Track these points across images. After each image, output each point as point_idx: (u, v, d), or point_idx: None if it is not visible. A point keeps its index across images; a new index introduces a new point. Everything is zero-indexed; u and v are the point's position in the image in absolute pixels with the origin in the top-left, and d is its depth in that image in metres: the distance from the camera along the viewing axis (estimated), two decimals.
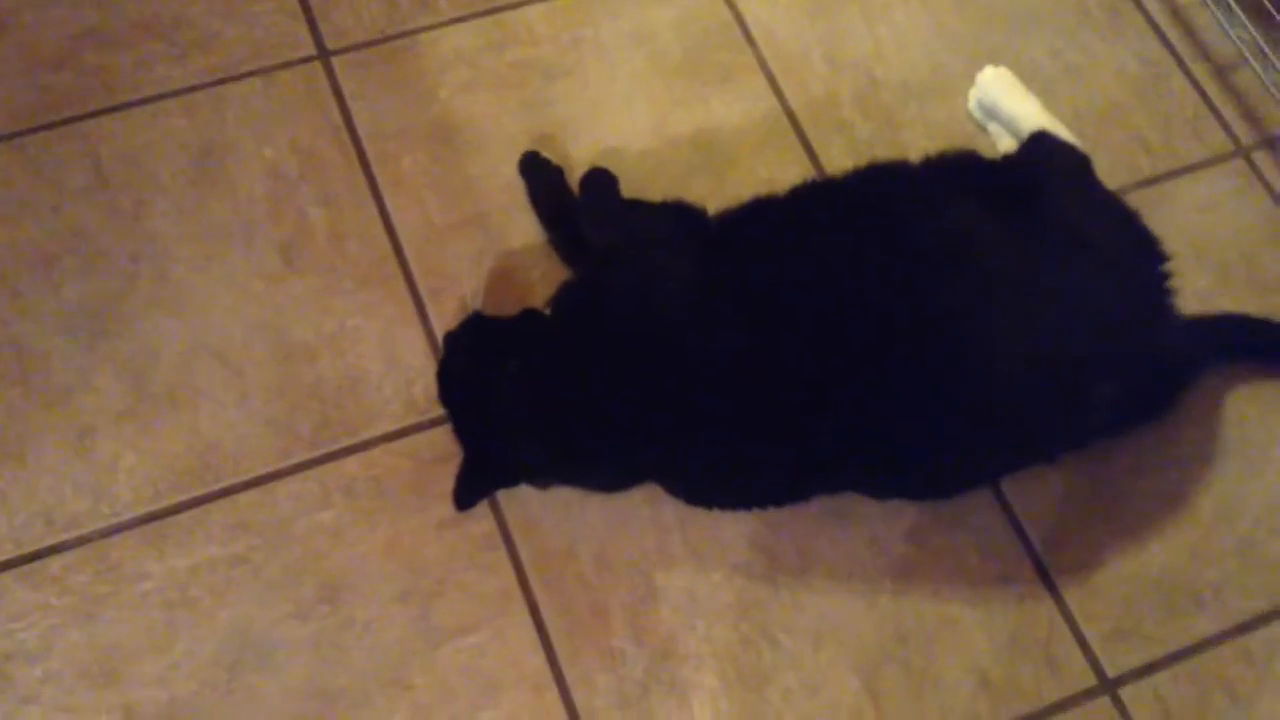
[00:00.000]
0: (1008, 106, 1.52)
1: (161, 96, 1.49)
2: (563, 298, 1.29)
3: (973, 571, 1.34)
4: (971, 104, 1.58)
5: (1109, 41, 1.67)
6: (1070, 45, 1.66)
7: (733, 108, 1.56)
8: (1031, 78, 1.56)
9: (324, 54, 1.54)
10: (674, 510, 1.32)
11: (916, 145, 1.53)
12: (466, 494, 1.26)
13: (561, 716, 1.24)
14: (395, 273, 1.43)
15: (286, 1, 1.56)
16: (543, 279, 1.42)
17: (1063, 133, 1.45)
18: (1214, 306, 1.46)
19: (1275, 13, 1.60)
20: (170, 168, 1.45)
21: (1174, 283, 1.31)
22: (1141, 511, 1.38)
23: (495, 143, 1.50)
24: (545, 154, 1.47)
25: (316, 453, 1.33)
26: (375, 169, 1.48)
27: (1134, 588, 1.34)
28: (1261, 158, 1.61)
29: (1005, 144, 1.52)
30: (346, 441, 1.34)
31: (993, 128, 1.56)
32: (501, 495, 1.32)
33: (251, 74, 1.52)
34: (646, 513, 1.33)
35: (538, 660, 1.26)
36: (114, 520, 1.28)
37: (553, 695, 1.25)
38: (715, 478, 1.27)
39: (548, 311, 1.30)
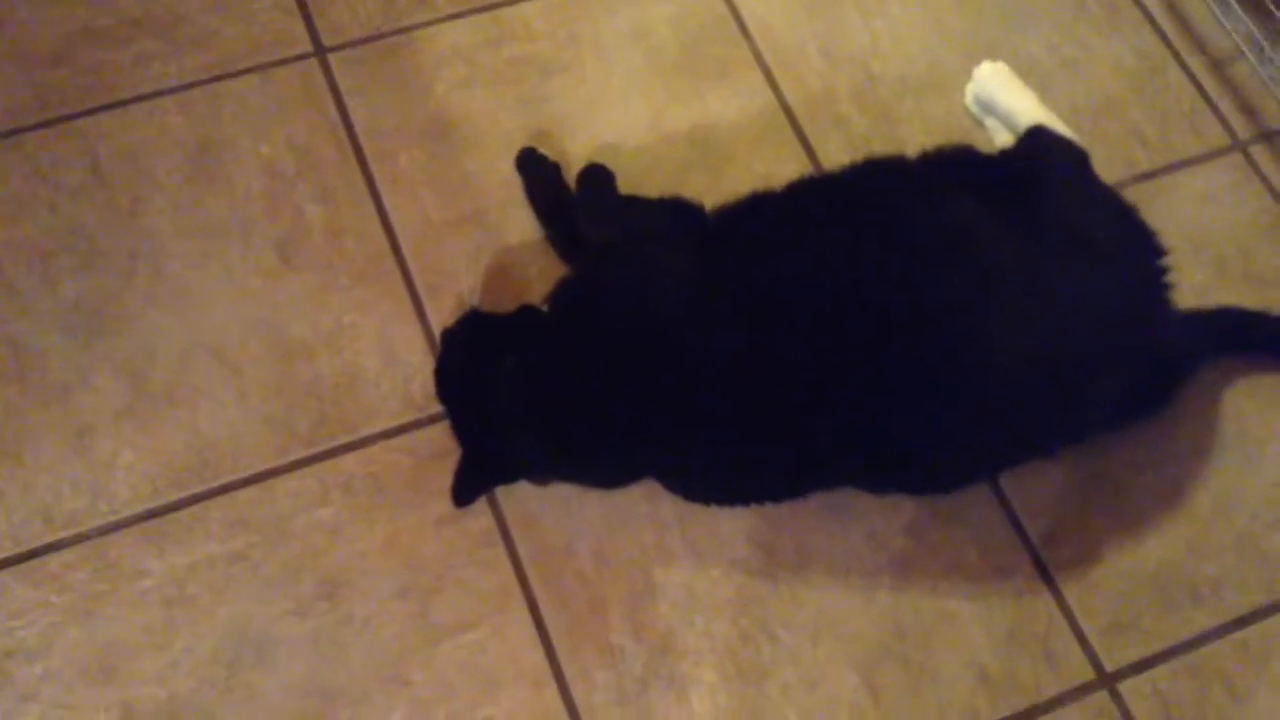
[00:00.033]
0: (1005, 101, 1.52)
1: (158, 94, 1.49)
2: (560, 294, 1.29)
3: (971, 566, 1.34)
4: (968, 99, 1.58)
5: (1105, 36, 1.67)
6: (1067, 40, 1.66)
7: (729, 103, 1.56)
8: (1028, 72, 1.56)
9: (320, 51, 1.54)
10: (672, 506, 1.32)
11: (914, 140, 1.53)
12: (465, 490, 1.26)
13: (561, 712, 1.24)
14: (392, 269, 1.42)
15: None
16: (540, 275, 1.42)
17: (1060, 127, 1.45)
18: (1211, 301, 1.46)
19: (1272, 6, 1.60)
20: (167, 165, 1.45)
21: (1171, 277, 1.32)
22: (1139, 506, 1.38)
23: (492, 139, 1.50)
24: (542, 150, 1.47)
25: (315, 450, 1.33)
26: (372, 166, 1.48)
27: (1132, 582, 1.35)
28: (1258, 152, 1.61)
29: (1002, 139, 1.52)
30: (344, 439, 1.34)
31: (990, 122, 1.56)
32: (500, 492, 1.32)
33: (248, 71, 1.51)
34: (645, 509, 1.33)
35: (537, 656, 1.26)
36: (112, 518, 1.28)
37: (552, 691, 1.25)
38: (713, 474, 1.27)
39: (545, 308, 1.30)
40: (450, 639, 1.26)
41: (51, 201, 1.42)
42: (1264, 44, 1.61)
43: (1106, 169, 1.46)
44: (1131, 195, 1.43)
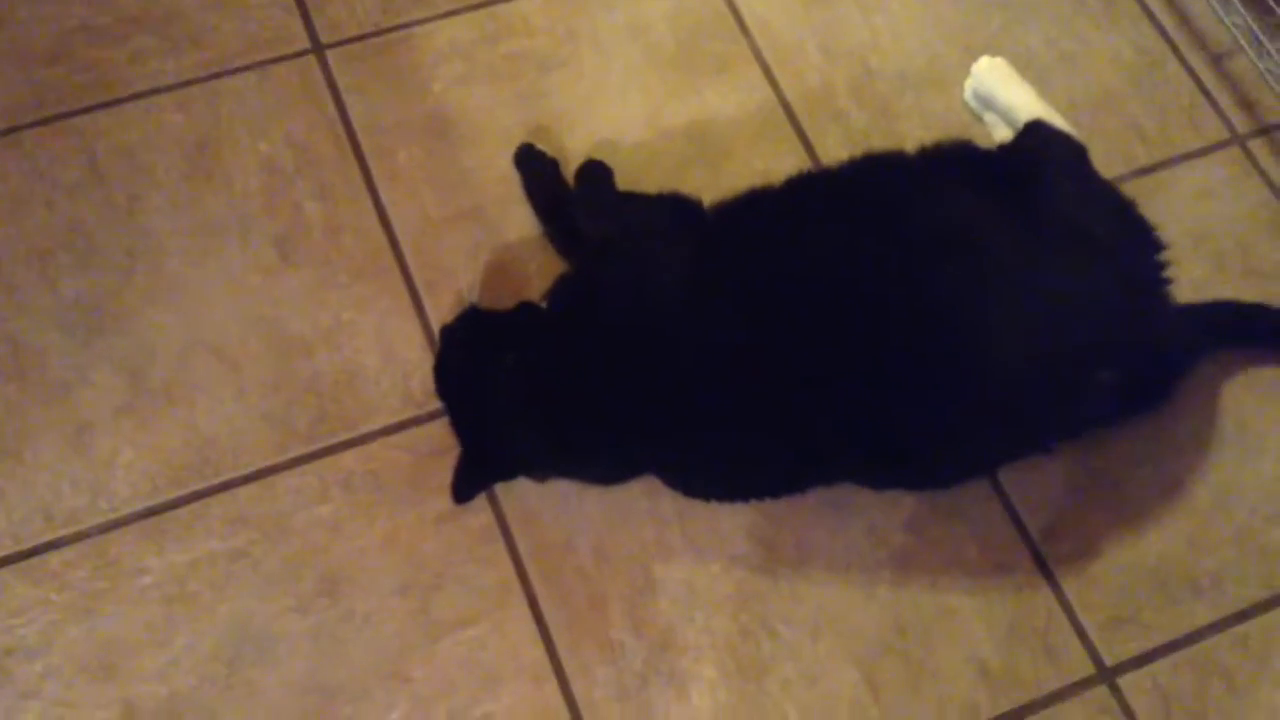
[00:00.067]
0: (1003, 96, 1.52)
1: (156, 91, 1.49)
2: (559, 291, 1.29)
3: (971, 561, 1.34)
4: (967, 93, 1.58)
5: (1104, 30, 1.67)
6: (1065, 34, 1.65)
7: (728, 99, 1.56)
8: (1027, 67, 1.56)
9: (318, 48, 1.54)
10: (672, 502, 1.32)
11: (912, 135, 1.53)
12: (464, 487, 1.26)
13: (561, 708, 1.24)
14: (391, 266, 1.42)
15: None
16: (539, 272, 1.41)
17: (1058, 122, 1.45)
18: (1210, 295, 1.46)
19: (1270, 1, 1.60)
20: (165, 162, 1.45)
21: (1170, 272, 1.31)
22: (1139, 500, 1.38)
23: (490, 135, 1.50)
24: (540, 146, 1.47)
25: (314, 447, 1.33)
26: (370, 162, 1.47)
27: (1132, 577, 1.35)
28: (1257, 146, 1.61)
29: (1001, 133, 1.52)
30: (344, 435, 1.34)
31: (989, 117, 1.56)
32: (500, 488, 1.32)
33: (246, 68, 1.51)
34: (645, 505, 1.33)
35: (537, 652, 1.26)
36: (112, 515, 1.28)
37: (552, 687, 1.25)
38: (713, 470, 1.27)
39: (544, 304, 1.30)
40: (450, 635, 1.26)
41: (49, 199, 1.42)
42: (1263, 38, 1.61)
43: (1105, 164, 1.46)
44: (1130, 190, 1.43)
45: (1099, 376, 1.26)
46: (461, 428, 1.28)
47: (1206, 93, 1.64)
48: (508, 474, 1.29)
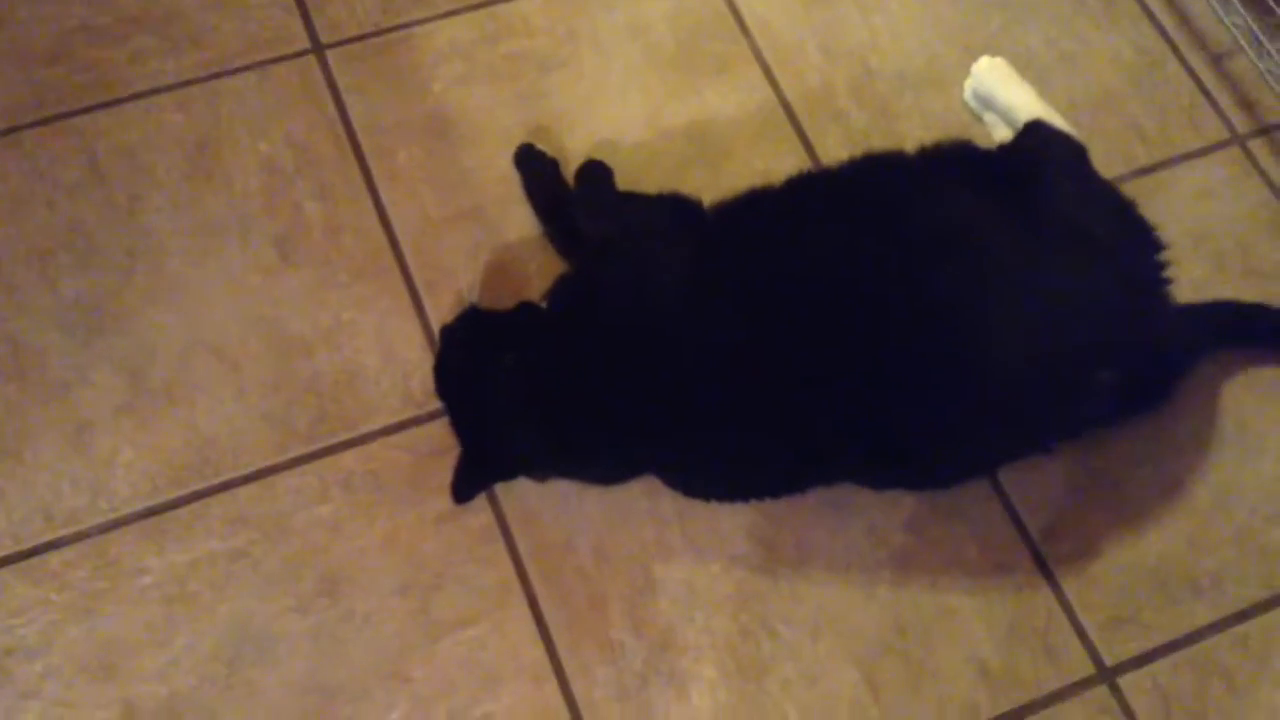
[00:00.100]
0: (1003, 96, 1.52)
1: (156, 91, 1.49)
2: (559, 291, 1.29)
3: (971, 561, 1.34)
4: (967, 93, 1.58)
5: (1104, 29, 1.67)
6: (1065, 34, 1.65)
7: (728, 99, 1.56)
8: (1026, 67, 1.56)
9: (318, 48, 1.54)
10: (672, 502, 1.32)
11: (912, 135, 1.53)
12: (464, 487, 1.26)
13: (561, 708, 1.24)
14: (391, 266, 1.42)
15: None
16: (539, 272, 1.41)
17: (1058, 122, 1.45)
18: (1210, 295, 1.46)
19: (1270, 1, 1.60)
20: (165, 162, 1.45)
21: (1170, 272, 1.31)
22: (1139, 500, 1.38)
23: (490, 135, 1.50)
24: (540, 146, 1.47)
25: (314, 447, 1.33)
26: (371, 162, 1.47)
27: (1132, 577, 1.35)
28: (1257, 146, 1.61)
29: (1001, 133, 1.52)
30: (344, 435, 1.34)
31: (988, 117, 1.56)
32: (500, 488, 1.32)
33: (246, 68, 1.51)
34: (645, 505, 1.33)
35: (537, 652, 1.26)
36: (112, 515, 1.28)
37: (552, 687, 1.25)
38: (713, 470, 1.27)
39: (544, 304, 1.30)
40: (450, 635, 1.26)
41: (50, 199, 1.42)
42: (1262, 38, 1.61)
43: (1105, 164, 1.46)
44: (1130, 190, 1.43)
45: (1099, 376, 1.26)
46: (461, 428, 1.28)
47: (1206, 93, 1.64)
48: (508, 474, 1.29)
